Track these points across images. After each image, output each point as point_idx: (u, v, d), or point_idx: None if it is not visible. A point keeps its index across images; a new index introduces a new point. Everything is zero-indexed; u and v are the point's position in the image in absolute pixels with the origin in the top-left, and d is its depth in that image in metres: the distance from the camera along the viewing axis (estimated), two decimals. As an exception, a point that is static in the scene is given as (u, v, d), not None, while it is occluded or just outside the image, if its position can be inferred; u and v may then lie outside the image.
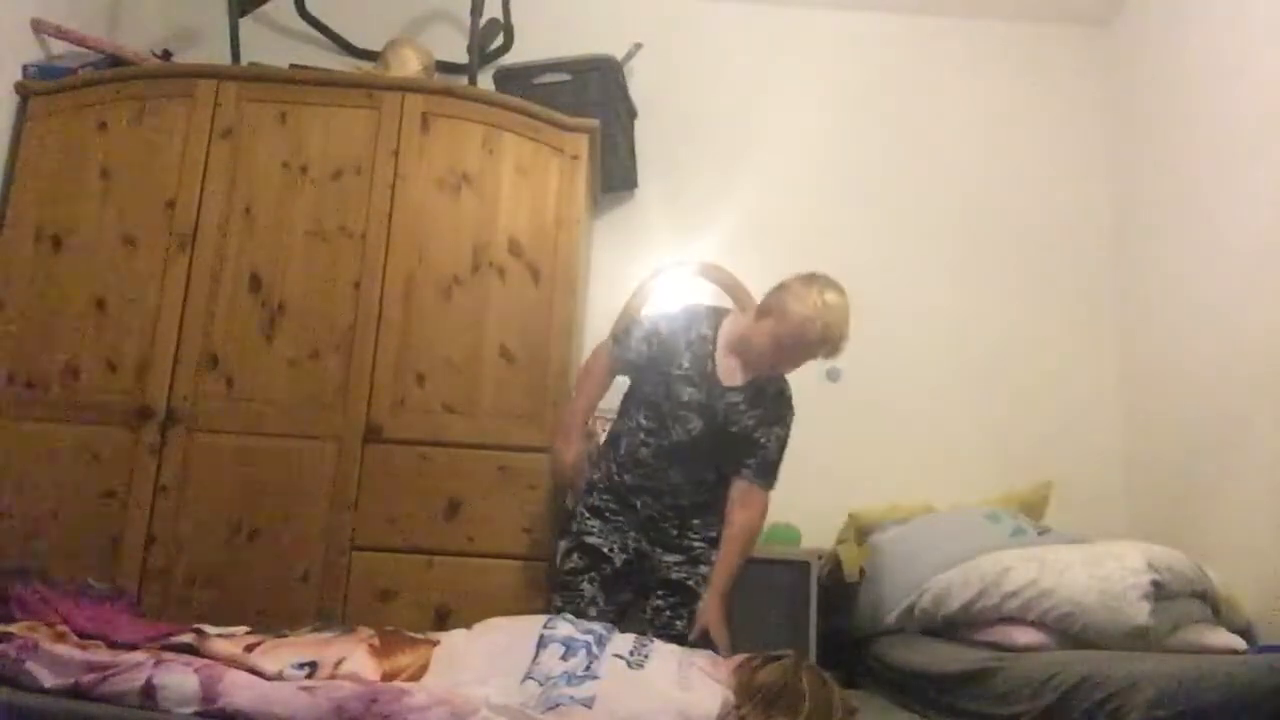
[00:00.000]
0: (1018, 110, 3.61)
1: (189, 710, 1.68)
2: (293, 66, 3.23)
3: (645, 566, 2.44)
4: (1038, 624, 2.25)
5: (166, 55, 3.31)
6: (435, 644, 1.96)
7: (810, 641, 2.67)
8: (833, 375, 3.28)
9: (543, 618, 2.03)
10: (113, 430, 2.70)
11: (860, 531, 2.93)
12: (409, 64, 3.14)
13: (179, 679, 1.70)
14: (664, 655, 1.94)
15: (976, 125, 3.59)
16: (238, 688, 1.70)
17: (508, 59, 3.41)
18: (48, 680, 1.70)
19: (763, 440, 2.45)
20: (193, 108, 2.90)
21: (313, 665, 1.79)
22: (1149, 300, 3.28)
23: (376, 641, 1.90)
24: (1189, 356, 2.99)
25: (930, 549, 2.61)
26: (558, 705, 1.70)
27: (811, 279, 2.40)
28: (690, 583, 2.40)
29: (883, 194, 3.52)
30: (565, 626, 1.96)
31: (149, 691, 1.68)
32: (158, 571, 2.62)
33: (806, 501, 3.07)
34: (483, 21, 3.17)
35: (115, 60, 3.05)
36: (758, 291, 3.38)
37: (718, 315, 2.55)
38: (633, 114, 3.39)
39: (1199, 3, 3.11)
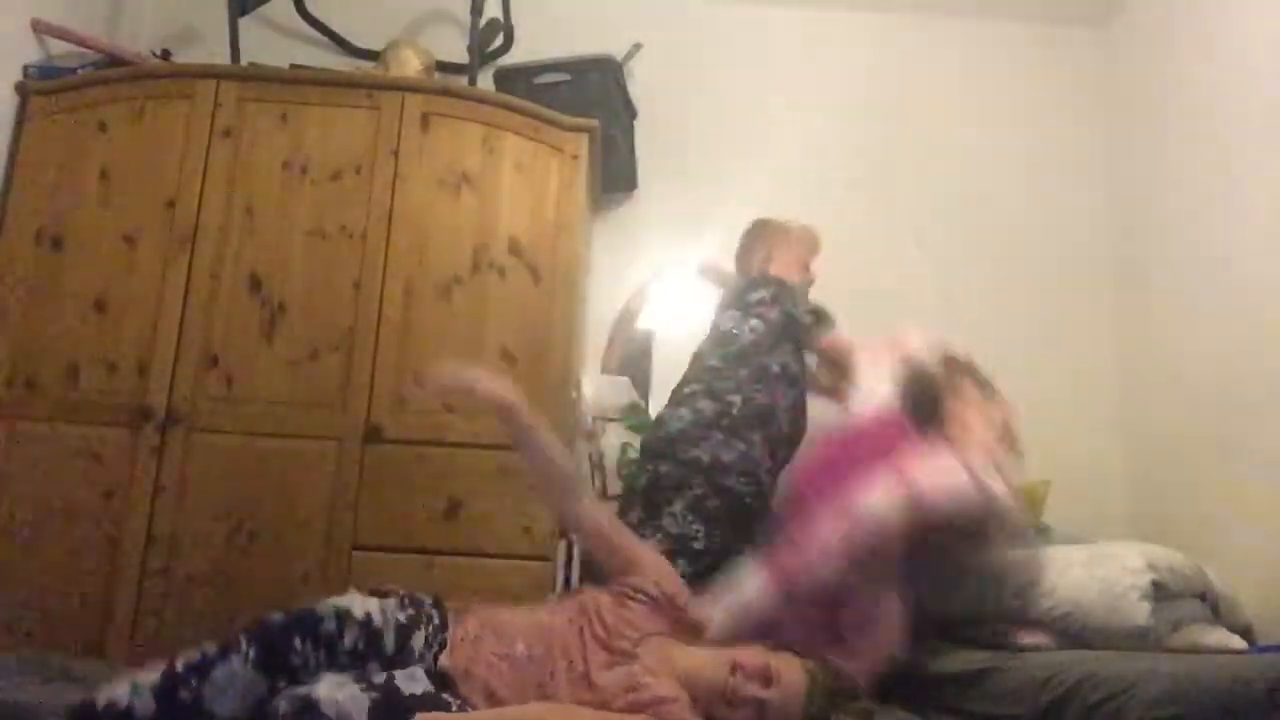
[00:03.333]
0: (1017, 110, 3.61)
1: None
2: (293, 66, 3.23)
3: None
4: (1037, 624, 2.25)
5: (166, 55, 3.31)
6: None
7: (810, 641, 2.67)
8: (832, 375, 3.27)
9: None
10: (113, 430, 2.70)
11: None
12: (409, 64, 3.14)
13: None
14: None
15: (976, 125, 3.59)
16: None
17: (508, 59, 3.41)
18: None
19: None
20: (193, 108, 2.90)
21: None
22: (1148, 299, 3.28)
23: None
24: (1189, 356, 2.99)
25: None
26: None
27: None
28: None
29: (882, 193, 3.52)
30: None
31: None
32: (158, 571, 2.62)
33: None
34: (483, 21, 3.18)
35: (115, 60, 3.05)
36: (758, 291, 3.40)
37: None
38: (633, 114, 3.39)
39: (1196, 3, 3.11)
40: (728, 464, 2.40)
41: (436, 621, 1.71)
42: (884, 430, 2.42)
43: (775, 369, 2.56)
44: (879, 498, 2.15)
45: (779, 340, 2.60)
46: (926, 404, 2.42)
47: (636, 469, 2.62)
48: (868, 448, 2.36)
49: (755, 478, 2.44)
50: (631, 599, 1.81)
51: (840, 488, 2.23)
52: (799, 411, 2.59)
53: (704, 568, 2.29)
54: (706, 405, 2.49)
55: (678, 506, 2.39)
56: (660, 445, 2.51)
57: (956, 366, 2.51)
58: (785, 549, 2.18)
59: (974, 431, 2.32)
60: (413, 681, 1.52)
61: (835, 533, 2.13)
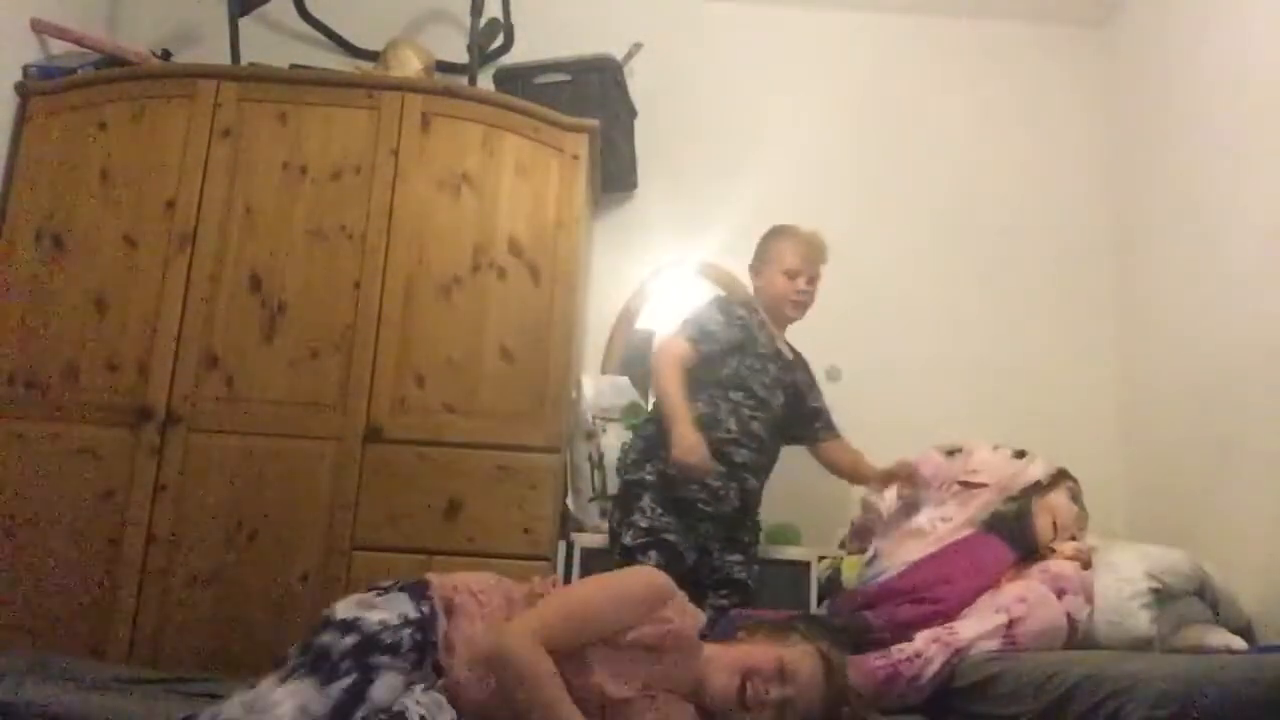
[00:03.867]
0: (1016, 110, 3.61)
1: None
2: (293, 66, 3.23)
3: (704, 566, 2.49)
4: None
5: (166, 55, 3.31)
6: None
7: (810, 641, 2.67)
8: (833, 375, 3.28)
9: None
10: (113, 430, 2.70)
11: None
12: (409, 64, 3.14)
13: None
14: None
15: (976, 125, 3.59)
16: None
17: (508, 59, 3.41)
18: None
19: (815, 403, 2.80)
20: (193, 108, 2.90)
21: None
22: (1148, 300, 3.28)
23: None
24: (1188, 356, 2.99)
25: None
26: None
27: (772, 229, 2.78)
28: (749, 580, 2.52)
29: (881, 194, 3.52)
30: None
31: None
32: (158, 571, 2.61)
33: (806, 501, 3.08)
34: (483, 21, 3.17)
35: (115, 60, 3.05)
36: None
37: (748, 296, 2.84)
38: (633, 114, 3.39)
39: (1195, 3, 3.11)
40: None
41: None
42: (985, 550, 2.46)
43: (716, 378, 2.59)
44: (978, 625, 2.21)
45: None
46: (1022, 531, 2.50)
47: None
48: (967, 565, 2.40)
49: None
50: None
51: (940, 599, 2.30)
52: (750, 408, 2.58)
53: (678, 559, 2.37)
54: None
55: (646, 500, 2.47)
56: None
57: (1063, 480, 2.61)
58: (874, 652, 2.20)
59: (1062, 551, 2.43)
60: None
61: (931, 654, 2.16)
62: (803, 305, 2.73)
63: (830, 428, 2.82)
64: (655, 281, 3.42)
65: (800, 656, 1.66)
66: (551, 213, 2.91)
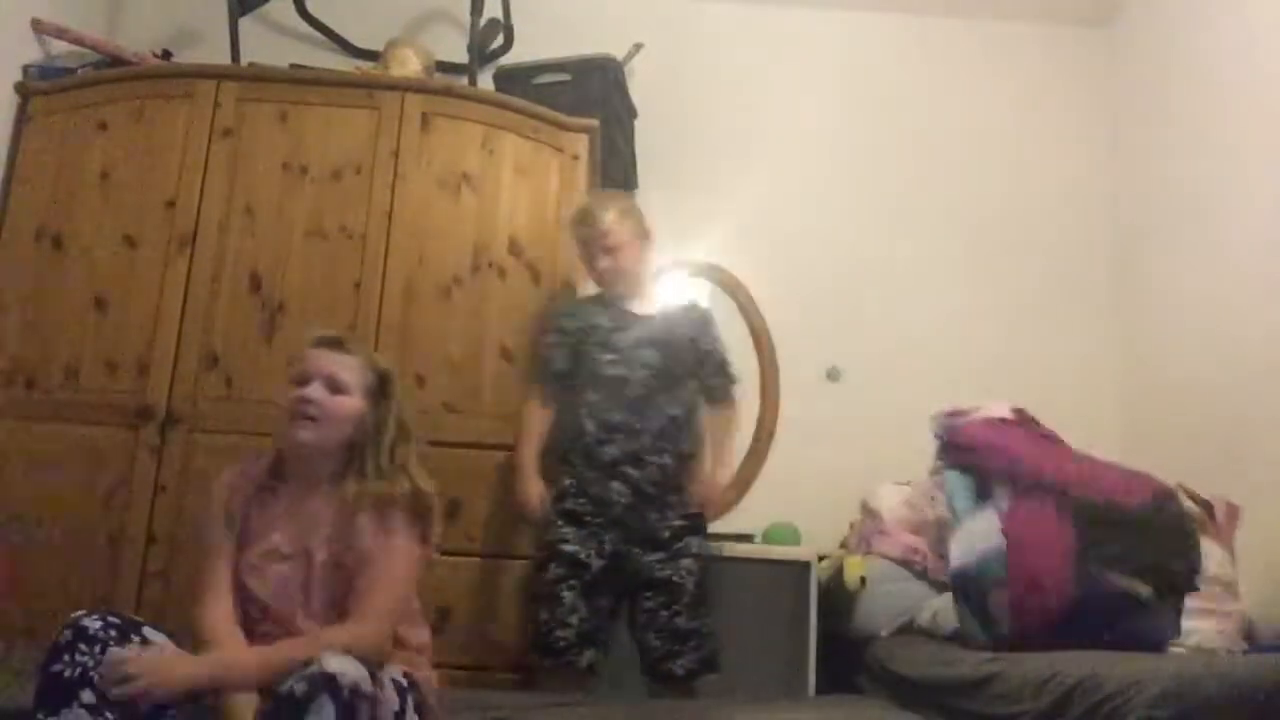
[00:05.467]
0: (1017, 110, 3.61)
1: None
2: (293, 66, 3.23)
3: (626, 569, 2.43)
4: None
5: (166, 55, 3.31)
6: None
7: (810, 641, 2.67)
8: (833, 375, 3.28)
9: None
10: (113, 430, 2.70)
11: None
12: (409, 64, 3.14)
13: None
14: None
15: (975, 124, 3.60)
16: None
17: (508, 59, 3.41)
18: None
19: (707, 346, 2.64)
20: (193, 108, 2.89)
21: None
22: (1149, 300, 3.28)
23: None
24: (1190, 357, 2.99)
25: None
26: None
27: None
28: (675, 578, 2.40)
29: (882, 194, 3.52)
30: None
31: None
32: (158, 572, 2.61)
33: (806, 501, 3.08)
34: (483, 21, 3.17)
35: (115, 60, 3.05)
36: (758, 291, 3.41)
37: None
38: (633, 114, 3.39)
39: (1196, 3, 3.11)
40: None
41: None
42: None
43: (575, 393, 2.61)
44: None
45: None
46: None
47: None
48: None
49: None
50: None
51: None
52: (604, 398, 2.54)
53: (580, 568, 2.40)
54: None
55: (551, 513, 2.49)
56: None
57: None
58: None
59: None
60: None
61: None
62: (612, 270, 2.61)
63: (712, 394, 2.65)
64: (655, 281, 3.41)
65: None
66: (551, 213, 2.91)
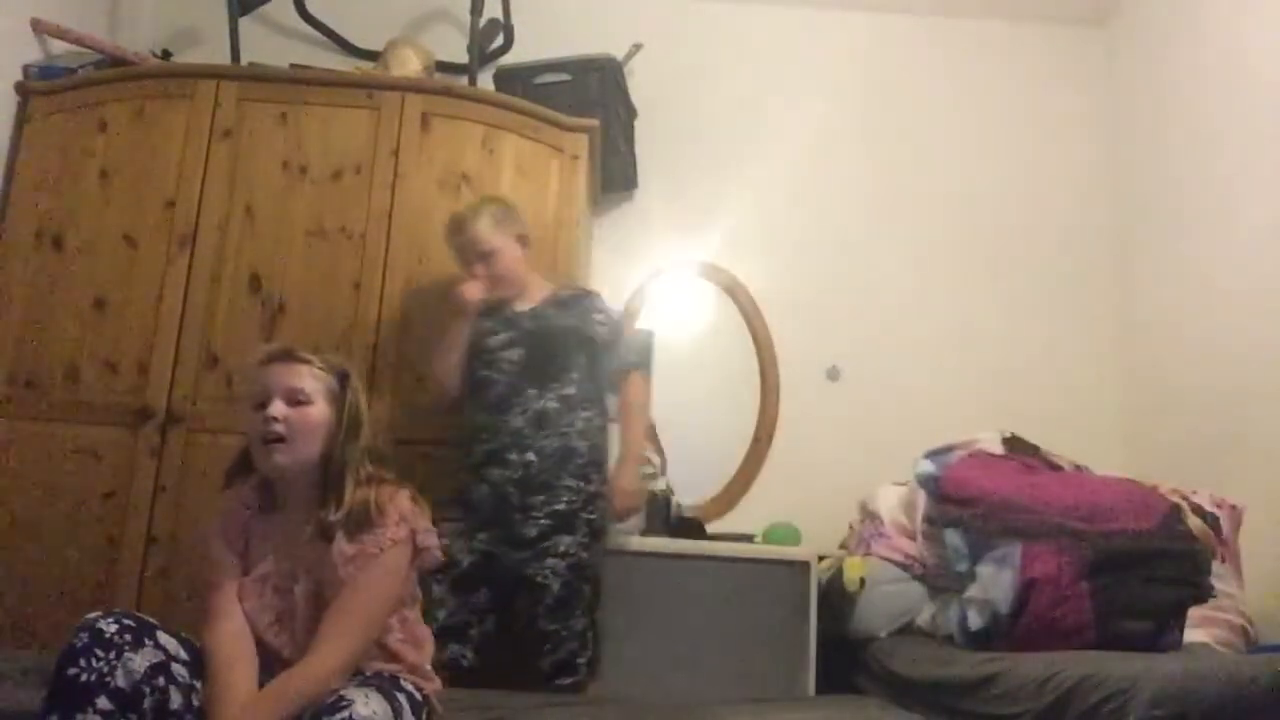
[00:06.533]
0: (1016, 110, 3.61)
1: None
2: (293, 66, 3.23)
3: (496, 568, 2.40)
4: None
5: (166, 55, 3.31)
6: None
7: (810, 640, 2.67)
8: (833, 375, 3.28)
9: None
10: (113, 430, 2.70)
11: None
12: (409, 64, 3.14)
13: None
14: None
15: (976, 125, 3.60)
16: None
17: (508, 59, 3.41)
18: None
19: (589, 332, 2.59)
20: (193, 108, 2.90)
21: None
22: (1149, 299, 3.28)
23: None
24: (1190, 355, 2.99)
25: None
26: None
27: None
28: (540, 578, 2.37)
29: (881, 193, 3.52)
30: None
31: None
32: (158, 572, 2.61)
33: (807, 501, 3.09)
34: (483, 21, 3.17)
35: (115, 60, 3.05)
36: (759, 291, 3.41)
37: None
38: (633, 114, 3.39)
39: (1195, 3, 3.11)
40: None
41: None
42: None
43: None
44: None
45: None
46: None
47: None
48: None
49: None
50: None
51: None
52: (476, 400, 2.56)
53: (451, 566, 2.33)
54: None
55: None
56: None
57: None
58: None
59: None
60: None
61: None
62: (489, 277, 2.58)
63: (607, 378, 2.62)
64: (655, 282, 3.42)
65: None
66: (551, 213, 2.91)
